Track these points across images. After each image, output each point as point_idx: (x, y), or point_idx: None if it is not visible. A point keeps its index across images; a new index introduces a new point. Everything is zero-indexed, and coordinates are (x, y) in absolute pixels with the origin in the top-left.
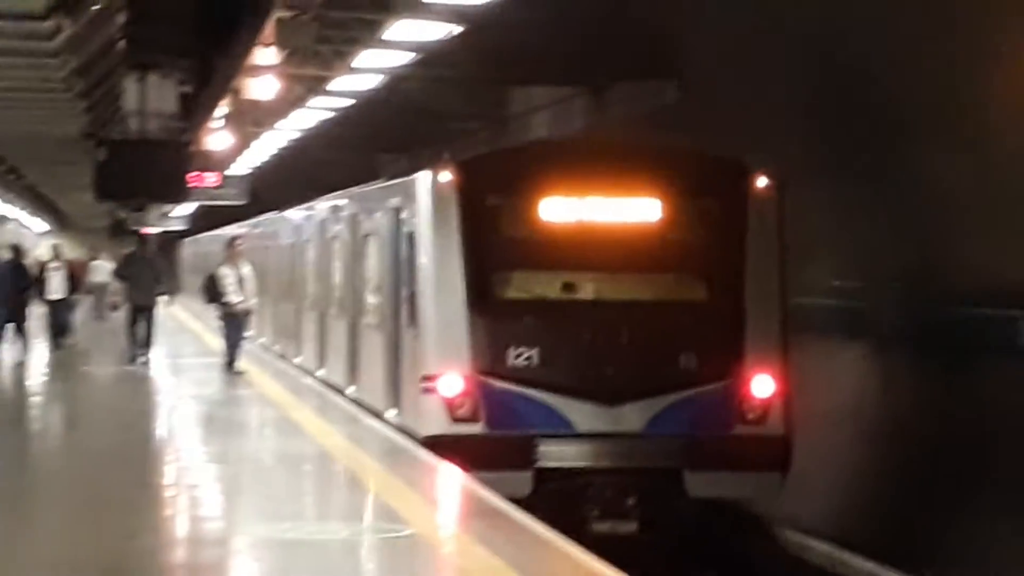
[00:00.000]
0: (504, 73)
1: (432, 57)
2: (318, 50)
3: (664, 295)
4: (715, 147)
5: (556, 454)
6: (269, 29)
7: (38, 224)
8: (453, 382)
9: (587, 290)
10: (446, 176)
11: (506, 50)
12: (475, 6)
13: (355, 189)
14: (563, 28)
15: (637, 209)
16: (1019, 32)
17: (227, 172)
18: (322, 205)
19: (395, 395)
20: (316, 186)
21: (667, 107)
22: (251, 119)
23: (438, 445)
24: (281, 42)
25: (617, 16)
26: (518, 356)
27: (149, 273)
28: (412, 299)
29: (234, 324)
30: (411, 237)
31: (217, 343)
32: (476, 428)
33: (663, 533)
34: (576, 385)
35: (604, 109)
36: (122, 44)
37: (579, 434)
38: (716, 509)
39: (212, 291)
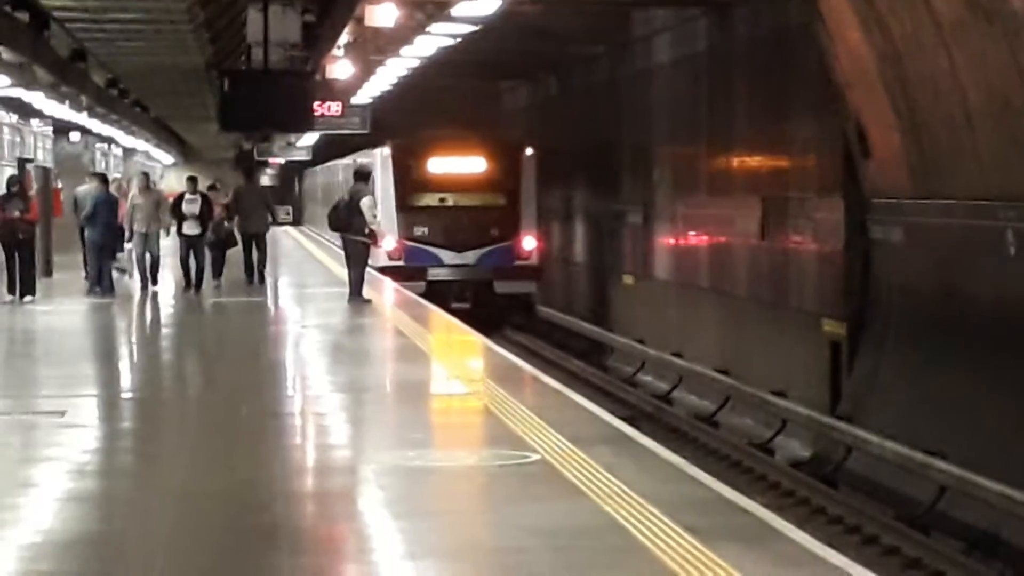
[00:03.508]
0: None
1: None
2: None
3: (483, 202)
4: None
5: (436, 273)
6: None
7: (164, 156)
8: (391, 242)
9: (448, 200)
10: (387, 150)
11: None
12: None
13: (358, 154)
14: None
15: (472, 163)
16: None
17: (350, 102)
18: (344, 161)
19: None
20: (437, 115)
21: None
22: (373, 47)
23: (385, 271)
24: None
25: None
26: (419, 230)
27: (260, 203)
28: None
29: (359, 253)
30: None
31: (342, 272)
32: (400, 263)
33: (483, 308)
34: (444, 242)
35: (728, 30)
36: None
37: (445, 265)
38: (509, 299)
39: (338, 220)
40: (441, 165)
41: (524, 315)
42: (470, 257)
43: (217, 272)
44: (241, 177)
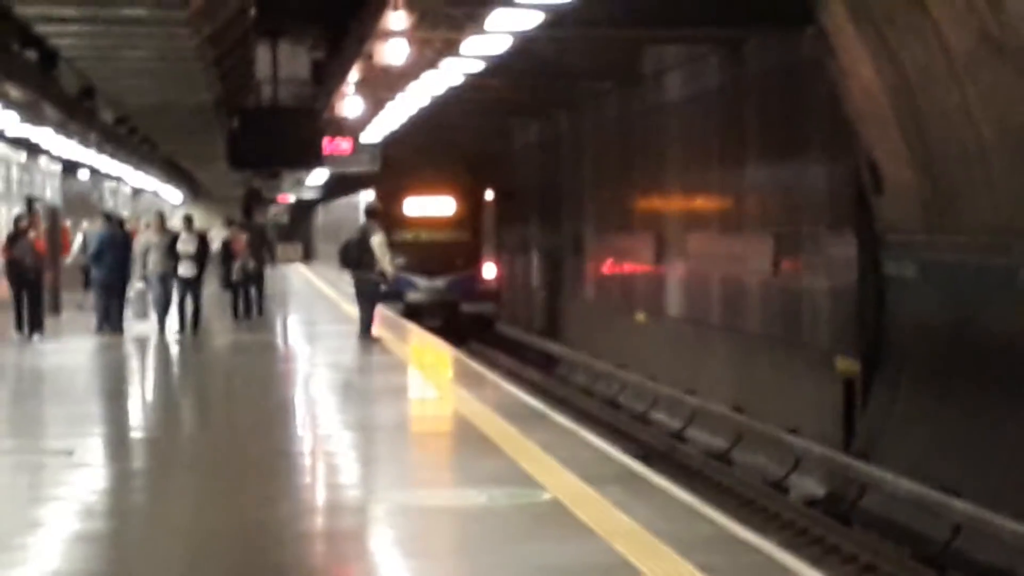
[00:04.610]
0: (636, 30)
1: (562, 16)
2: (449, 13)
3: (450, 238)
4: None
5: (412, 297)
6: None
7: (173, 194)
8: None
9: (421, 236)
10: (373, 194)
11: (637, 7)
12: None
13: (360, 193)
14: None
15: (441, 204)
16: None
17: (359, 139)
18: (348, 200)
19: None
20: (447, 152)
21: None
22: (383, 85)
23: None
24: (411, 5)
25: None
26: (398, 260)
27: (259, 241)
28: None
29: (369, 290)
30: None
31: (352, 309)
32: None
33: (451, 325)
34: (418, 270)
35: (739, 66)
36: (253, 11)
37: (420, 289)
38: (472, 317)
39: (348, 258)
40: (416, 206)
41: (485, 330)
42: (440, 283)
43: (246, 311)
44: (242, 215)
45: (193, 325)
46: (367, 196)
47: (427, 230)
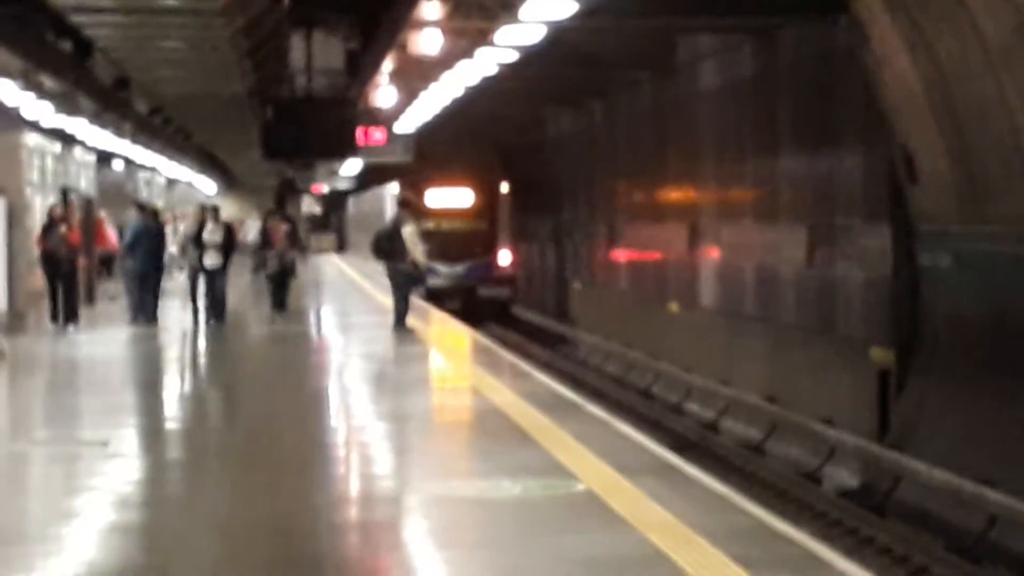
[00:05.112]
0: (669, 20)
1: (596, 6)
2: (482, 2)
3: (469, 227)
4: None
5: (433, 282)
6: None
7: (207, 185)
8: None
9: (442, 225)
10: (397, 185)
11: None
12: None
13: (386, 186)
14: None
15: (461, 195)
16: None
17: (393, 129)
18: (378, 191)
19: None
20: (481, 141)
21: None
22: (416, 74)
23: None
24: None
25: None
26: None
27: (289, 233)
28: None
29: (402, 280)
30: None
31: (385, 300)
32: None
33: (470, 308)
34: (439, 257)
35: (773, 55)
36: (287, 1)
37: (441, 275)
38: (489, 300)
39: (380, 248)
40: (437, 197)
41: (501, 313)
42: (459, 269)
43: (280, 303)
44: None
45: (219, 316)
46: (392, 188)
47: (447, 220)
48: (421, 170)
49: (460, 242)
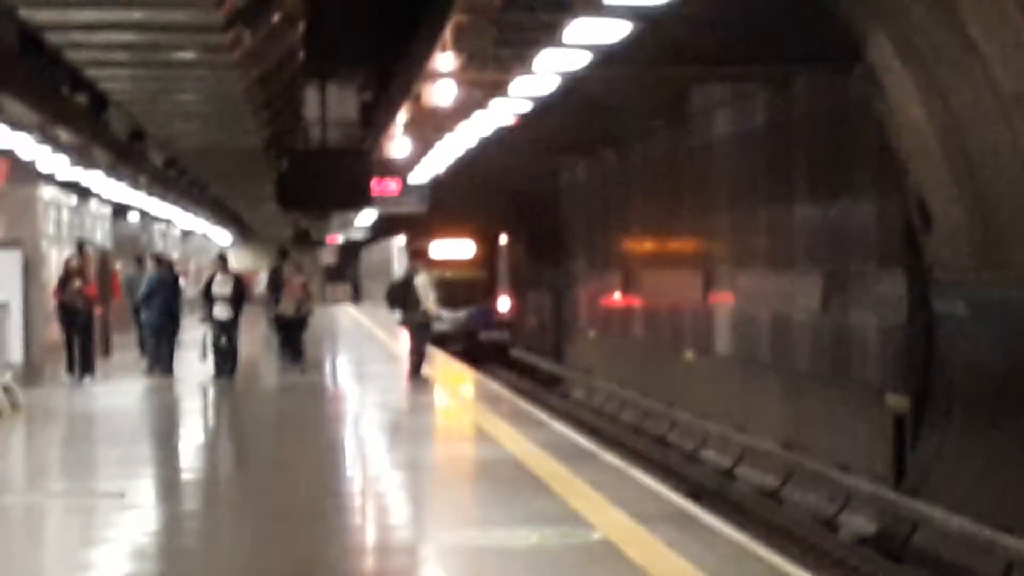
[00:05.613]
0: (683, 69)
1: (610, 56)
2: (496, 53)
3: (470, 276)
4: None
5: (438, 326)
6: (447, 34)
7: (222, 236)
8: None
9: (445, 275)
10: (402, 240)
11: (685, 46)
12: (655, 5)
13: (394, 238)
14: (746, 12)
15: (462, 246)
16: None
17: (407, 180)
18: (384, 244)
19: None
20: (494, 191)
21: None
22: (430, 125)
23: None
24: (459, 46)
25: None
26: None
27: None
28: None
29: (419, 330)
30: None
31: (402, 349)
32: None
33: (471, 350)
34: (443, 304)
35: (787, 104)
36: (301, 53)
37: (445, 320)
38: (489, 343)
39: (395, 297)
40: (440, 249)
41: (500, 355)
42: (462, 314)
43: (297, 355)
44: (278, 257)
45: (230, 368)
46: (398, 241)
47: (450, 269)
48: (426, 223)
49: (462, 290)
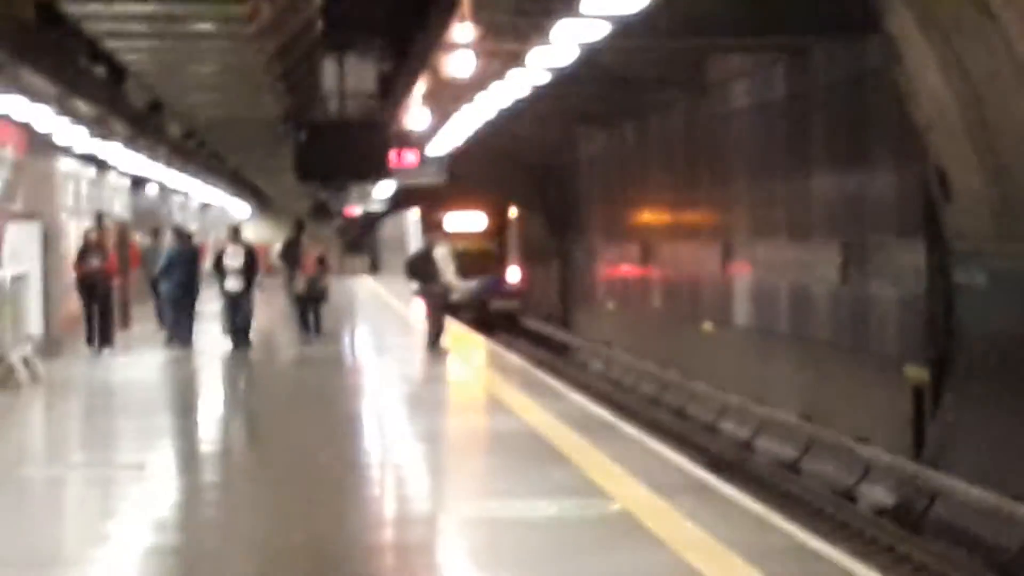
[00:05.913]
0: (701, 39)
1: (628, 27)
2: (515, 24)
3: (481, 247)
4: None
5: (452, 296)
6: (466, 4)
7: (241, 208)
8: None
9: (458, 246)
10: (416, 210)
11: (703, 16)
12: None
13: (408, 211)
14: None
15: (474, 217)
16: None
17: (425, 152)
18: (400, 215)
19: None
20: (513, 163)
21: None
22: (449, 97)
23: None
24: (478, 17)
25: None
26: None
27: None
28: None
29: (436, 301)
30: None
31: (418, 321)
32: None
33: (483, 318)
34: (457, 274)
35: (806, 74)
36: (320, 25)
37: (456, 289)
38: (499, 312)
39: (414, 270)
40: (453, 220)
41: (510, 323)
42: (473, 284)
43: (316, 327)
44: (293, 230)
45: (244, 341)
46: (412, 214)
47: (462, 241)
48: (444, 195)
49: (473, 261)
